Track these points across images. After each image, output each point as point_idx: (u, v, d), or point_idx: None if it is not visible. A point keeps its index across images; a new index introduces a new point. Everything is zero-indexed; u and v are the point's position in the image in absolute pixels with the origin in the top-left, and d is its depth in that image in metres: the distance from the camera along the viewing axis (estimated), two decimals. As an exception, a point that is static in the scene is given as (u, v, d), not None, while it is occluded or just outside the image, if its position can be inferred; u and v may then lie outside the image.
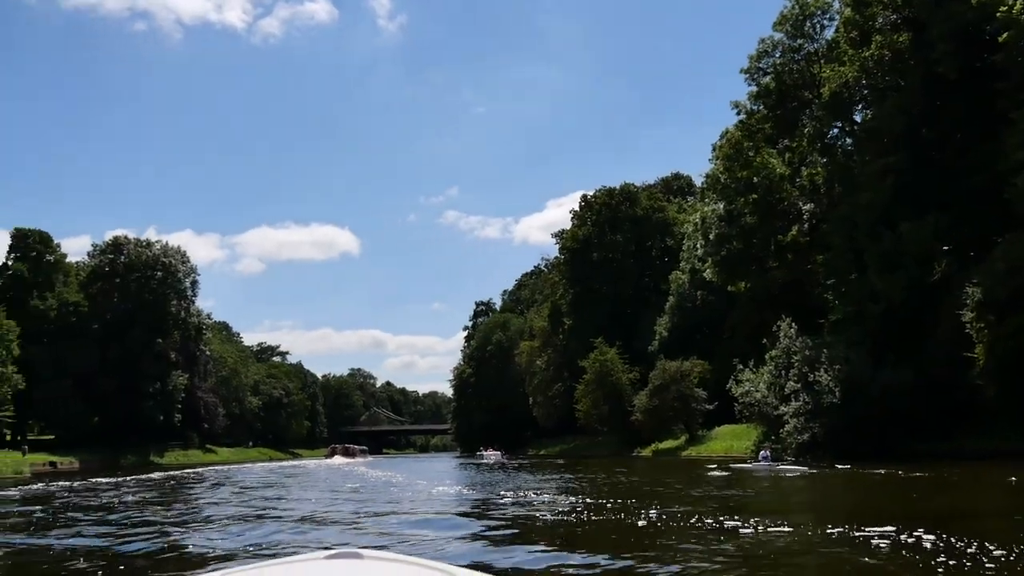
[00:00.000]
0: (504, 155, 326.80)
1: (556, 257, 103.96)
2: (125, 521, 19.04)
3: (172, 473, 54.24)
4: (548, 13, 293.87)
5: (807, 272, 52.16)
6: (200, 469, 65.06)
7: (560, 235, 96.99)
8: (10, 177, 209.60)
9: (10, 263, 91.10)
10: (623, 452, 70.14)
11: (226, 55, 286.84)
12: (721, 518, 15.18)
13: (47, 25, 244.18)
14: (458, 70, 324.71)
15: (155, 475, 49.72)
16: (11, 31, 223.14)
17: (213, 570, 3.31)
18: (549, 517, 17.72)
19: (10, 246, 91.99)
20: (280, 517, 19.61)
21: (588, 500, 20.99)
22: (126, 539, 15.10)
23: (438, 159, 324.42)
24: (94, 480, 42.30)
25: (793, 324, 45.08)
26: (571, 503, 20.51)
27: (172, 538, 15.47)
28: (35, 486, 38.57)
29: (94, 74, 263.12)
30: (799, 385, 42.05)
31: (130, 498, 28.01)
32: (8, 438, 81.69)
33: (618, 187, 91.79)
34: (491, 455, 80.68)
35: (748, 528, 13.75)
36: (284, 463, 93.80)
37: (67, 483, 40.40)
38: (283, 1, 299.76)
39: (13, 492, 34.44)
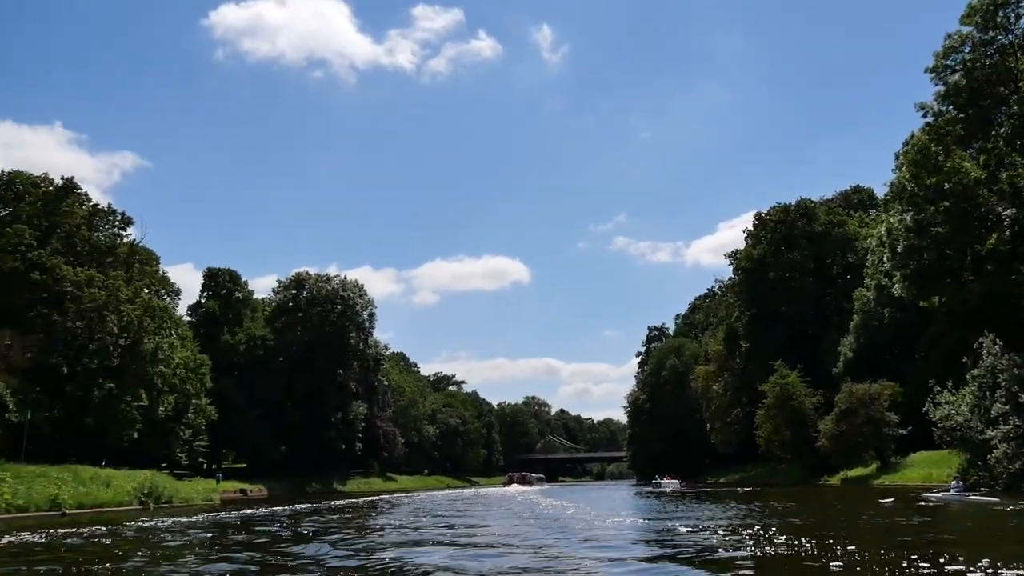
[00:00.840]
0: (673, 178, 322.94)
1: (730, 278, 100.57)
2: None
3: (355, 500, 55.80)
4: (711, 30, 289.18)
5: (1010, 283, 47.57)
6: (384, 496, 66.40)
7: (734, 255, 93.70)
8: (203, 220, 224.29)
9: (203, 301, 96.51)
10: (808, 480, 66.24)
11: (397, 96, 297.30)
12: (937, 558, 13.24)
13: (233, 78, 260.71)
14: (623, 96, 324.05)
15: (339, 502, 50.85)
16: (201, 85, 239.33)
17: None
18: (735, 553, 16.13)
19: (203, 285, 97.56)
20: (459, 544, 19.67)
21: (776, 533, 19.20)
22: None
23: (606, 186, 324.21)
24: (291, 507, 43.21)
25: (997, 340, 41.00)
26: (757, 536, 18.80)
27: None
28: (220, 513, 39.73)
29: (276, 121, 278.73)
30: (1007, 407, 38.04)
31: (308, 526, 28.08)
32: (205, 466, 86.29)
33: (794, 203, 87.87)
34: (668, 483, 78.38)
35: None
36: (463, 491, 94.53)
37: (251, 510, 41.50)
38: (449, 41, 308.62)
39: (198, 518, 35.42)
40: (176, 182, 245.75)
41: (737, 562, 14.76)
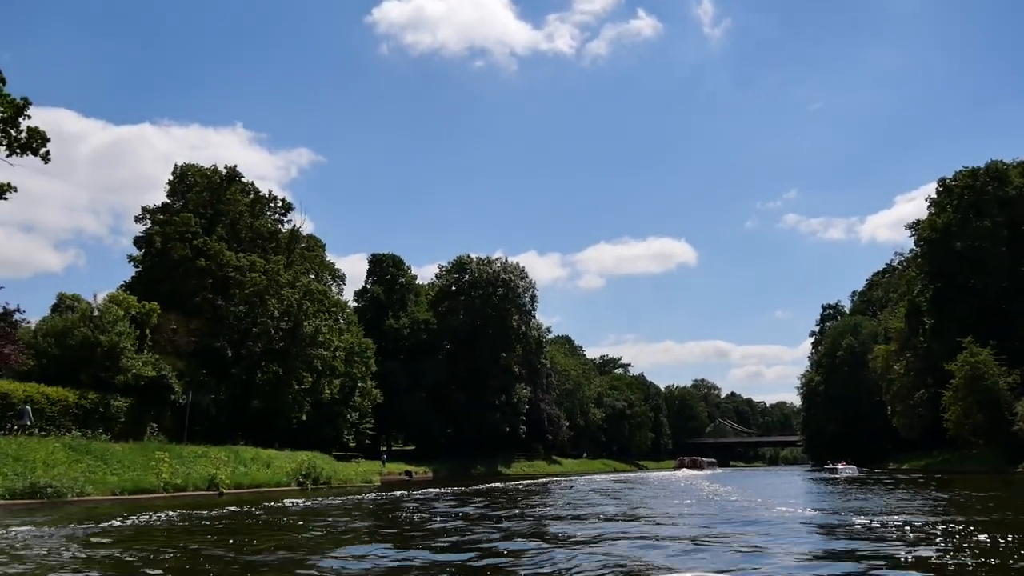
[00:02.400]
0: (846, 151, 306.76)
1: (912, 251, 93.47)
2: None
3: (517, 483, 55.48)
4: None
5: None
6: (546, 479, 65.76)
7: (915, 226, 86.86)
8: (373, 211, 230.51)
9: (368, 287, 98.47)
10: (1005, 469, 60.26)
11: (558, 81, 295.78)
12: None
13: (397, 71, 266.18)
14: (790, 66, 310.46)
15: (497, 484, 50.13)
16: (367, 80, 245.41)
17: None
18: (922, 554, 13.47)
19: (368, 271, 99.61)
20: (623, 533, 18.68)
21: (974, 531, 16.32)
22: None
23: (774, 162, 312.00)
24: (448, 489, 42.83)
25: None
26: (949, 534, 15.99)
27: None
28: (376, 494, 39.61)
29: (440, 112, 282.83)
30: None
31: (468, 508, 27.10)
32: (372, 448, 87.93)
33: (983, 166, 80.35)
34: (843, 469, 73.66)
35: None
36: (628, 475, 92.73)
37: (401, 492, 41.34)
38: (609, 22, 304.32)
39: (342, 499, 35.20)
40: (348, 175, 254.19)
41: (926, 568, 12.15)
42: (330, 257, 79.41)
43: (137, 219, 59.38)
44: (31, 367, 40.33)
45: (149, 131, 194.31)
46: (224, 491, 36.64)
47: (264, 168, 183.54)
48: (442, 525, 20.87)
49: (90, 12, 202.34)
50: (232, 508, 27.40)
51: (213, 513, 24.72)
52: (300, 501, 32.56)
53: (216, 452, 41.36)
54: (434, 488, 46.12)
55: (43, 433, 34.35)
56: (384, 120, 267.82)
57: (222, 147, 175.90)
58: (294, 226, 63.33)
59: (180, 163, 61.87)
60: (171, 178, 61.39)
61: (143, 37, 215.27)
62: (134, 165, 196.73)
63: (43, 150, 32.40)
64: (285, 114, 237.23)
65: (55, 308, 50.14)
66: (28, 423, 36.67)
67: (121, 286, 53.74)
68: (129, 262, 55.98)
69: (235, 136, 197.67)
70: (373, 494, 42.49)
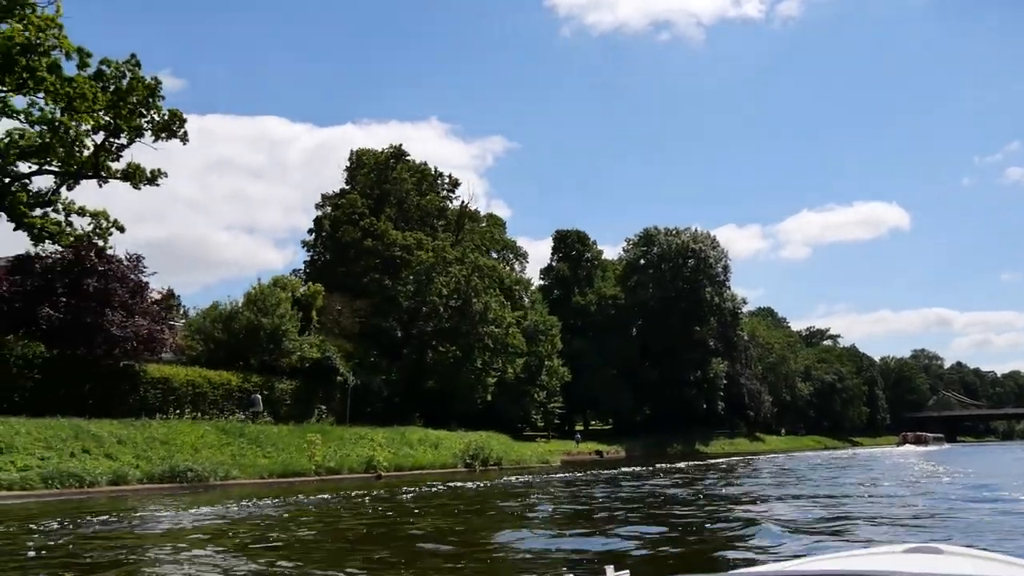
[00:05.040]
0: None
1: None
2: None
3: (714, 461, 53.06)
4: None
5: None
6: (748, 457, 62.78)
7: None
8: (564, 192, 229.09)
9: (554, 264, 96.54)
10: None
11: (747, 47, 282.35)
12: None
13: (580, 52, 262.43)
14: (1006, 9, 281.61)
15: (689, 463, 47.04)
16: (551, 63, 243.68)
17: (794, 559, 3.54)
18: None
19: (552, 248, 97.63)
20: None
21: None
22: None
23: (991, 112, 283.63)
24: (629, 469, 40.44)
25: None
26: None
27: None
28: (539, 475, 37.61)
29: (626, 89, 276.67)
30: None
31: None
32: (564, 428, 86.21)
33: None
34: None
35: None
36: (839, 452, 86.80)
37: (574, 474, 39.37)
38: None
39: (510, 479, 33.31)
40: (540, 159, 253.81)
41: None
42: (525, 240, 78.25)
43: (317, 206, 60.05)
44: (199, 352, 40.81)
45: (351, 131, 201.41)
46: (383, 474, 35.45)
47: (461, 158, 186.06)
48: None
49: (290, 23, 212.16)
50: (360, 491, 25.90)
51: (316, 497, 23.20)
52: (450, 484, 30.78)
53: (378, 434, 40.35)
54: (624, 467, 44.44)
55: (198, 416, 34.22)
56: (572, 101, 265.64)
57: (420, 140, 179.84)
58: (463, 202, 62.11)
59: (355, 149, 62.08)
60: (348, 164, 61.65)
61: (340, 42, 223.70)
62: (340, 164, 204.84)
63: (181, 131, 32.06)
64: (477, 104, 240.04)
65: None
66: (259, 409, 37.29)
67: (294, 271, 54.23)
68: (303, 247, 56.52)
69: (431, 129, 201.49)
70: (546, 475, 40.61)
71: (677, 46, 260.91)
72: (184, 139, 32.19)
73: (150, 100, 30.53)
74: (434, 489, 28.87)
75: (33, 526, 16.06)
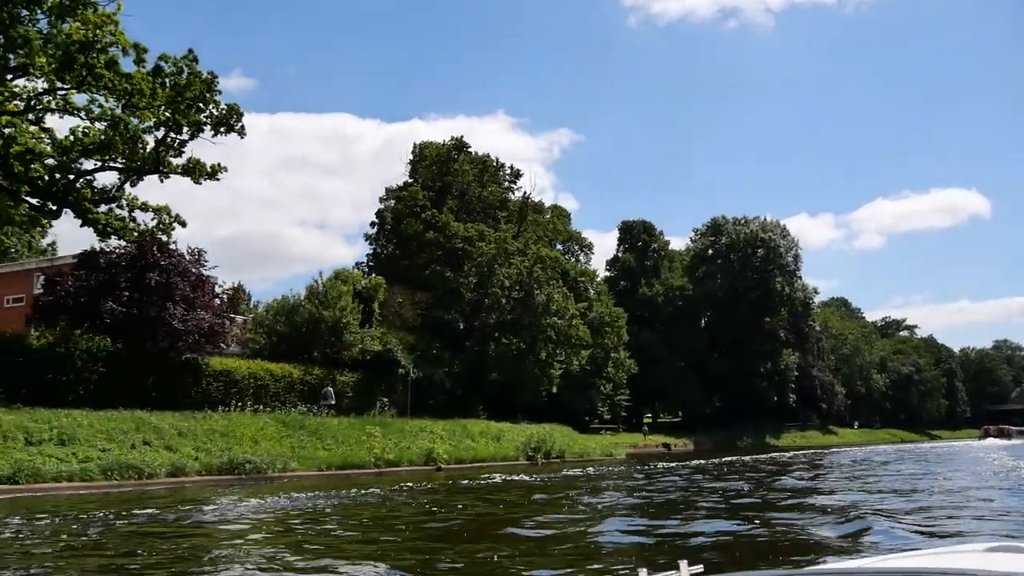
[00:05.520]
0: None
1: None
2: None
3: (786, 454, 52.24)
4: None
5: None
6: (823, 451, 61.51)
7: None
8: (629, 182, 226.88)
9: (619, 255, 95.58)
10: None
11: (819, 33, 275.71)
12: None
13: (647, 41, 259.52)
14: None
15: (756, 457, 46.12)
16: (618, 53, 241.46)
17: (872, 556, 3.35)
18: None
19: (618, 239, 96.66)
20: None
21: None
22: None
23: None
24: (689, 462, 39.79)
25: None
26: None
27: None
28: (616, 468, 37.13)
29: (694, 78, 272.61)
30: None
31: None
32: (632, 420, 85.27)
33: None
34: None
35: None
36: (920, 445, 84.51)
37: (634, 466, 38.86)
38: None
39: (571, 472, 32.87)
40: (607, 151, 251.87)
41: None
42: (593, 233, 77.57)
43: (381, 200, 60.24)
44: (262, 345, 41.17)
45: (418, 126, 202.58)
46: (442, 466, 35.28)
47: (528, 151, 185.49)
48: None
49: (356, 20, 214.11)
50: (421, 483, 25.71)
51: (372, 490, 23.01)
52: (511, 476, 30.47)
53: (438, 426, 40.24)
54: (693, 460, 43.99)
55: (260, 409, 34.43)
56: (639, 92, 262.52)
57: (486, 134, 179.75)
58: (525, 193, 61.67)
59: (418, 142, 62.12)
60: (411, 157, 61.72)
61: (406, 38, 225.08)
62: (406, 159, 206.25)
63: (239, 125, 32.22)
64: (543, 97, 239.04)
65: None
66: (332, 402, 37.71)
67: (357, 264, 54.44)
68: (365, 240, 56.73)
69: (498, 123, 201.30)
70: (609, 467, 40.17)
71: (746, 34, 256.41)
72: (241, 133, 32.33)
73: (207, 94, 30.71)
74: (496, 480, 28.73)
75: (83, 515, 16.15)
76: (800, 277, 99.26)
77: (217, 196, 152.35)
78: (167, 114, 31.17)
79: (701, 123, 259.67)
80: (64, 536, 13.82)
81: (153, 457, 25.29)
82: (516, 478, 30.13)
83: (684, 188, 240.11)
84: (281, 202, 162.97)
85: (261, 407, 34.77)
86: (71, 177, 32.06)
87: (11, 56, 28.62)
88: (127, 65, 29.22)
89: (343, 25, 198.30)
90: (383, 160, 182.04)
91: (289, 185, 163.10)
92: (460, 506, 19.46)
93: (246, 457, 27.21)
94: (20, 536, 13.87)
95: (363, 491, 23.08)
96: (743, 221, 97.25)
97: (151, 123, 32.00)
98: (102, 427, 25.83)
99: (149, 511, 17.12)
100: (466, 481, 27.65)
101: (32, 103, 29.53)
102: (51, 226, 75.47)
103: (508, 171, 61.39)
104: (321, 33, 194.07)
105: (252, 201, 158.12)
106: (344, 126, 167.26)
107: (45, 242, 73.74)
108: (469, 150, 59.41)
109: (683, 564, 2.78)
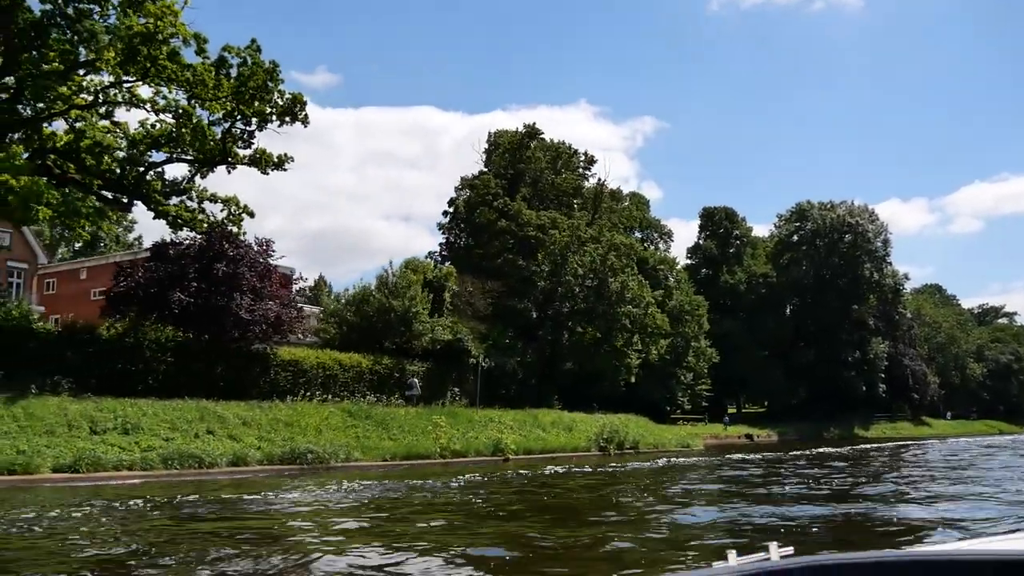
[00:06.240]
0: None
1: None
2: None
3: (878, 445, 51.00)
4: None
5: None
6: (915, 442, 59.78)
7: None
8: (707, 165, 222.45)
9: (700, 242, 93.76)
10: None
11: (907, 10, 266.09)
12: None
13: (730, 26, 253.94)
14: None
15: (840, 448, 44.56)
16: (700, 39, 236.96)
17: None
18: None
19: (700, 226, 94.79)
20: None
21: None
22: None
23: None
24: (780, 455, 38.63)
25: None
26: None
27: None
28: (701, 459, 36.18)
29: (777, 62, 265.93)
30: None
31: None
32: (714, 411, 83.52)
33: None
34: None
35: None
36: (1018, 436, 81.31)
37: (703, 458, 37.86)
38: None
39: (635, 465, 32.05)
40: (692, 138, 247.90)
41: None
42: (678, 221, 76.20)
43: (457, 190, 60.01)
44: (332, 335, 41.25)
45: (500, 117, 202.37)
46: (510, 456, 34.76)
47: (612, 140, 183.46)
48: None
49: (438, 11, 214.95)
50: (491, 473, 25.23)
51: (437, 481, 22.58)
52: (574, 467, 29.82)
53: (508, 416, 39.75)
54: (777, 452, 42.97)
55: (328, 399, 34.40)
56: (723, 77, 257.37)
57: (568, 124, 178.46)
58: (599, 180, 60.62)
59: (493, 131, 61.68)
60: (486, 146, 61.36)
61: (487, 29, 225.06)
62: (480, 149, 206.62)
63: (302, 114, 32.16)
64: (626, 84, 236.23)
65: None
66: (417, 393, 38.10)
67: (429, 253, 54.32)
68: (439, 230, 56.56)
69: (580, 112, 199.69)
70: (684, 459, 39.16)
71: (832, 15, 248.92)
72: (305, 122, 32.24)
73: (269, 83, 30.68)
74: (562, 470, 28.28)
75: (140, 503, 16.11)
76: (890, 263, 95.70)
77: (306, 190, 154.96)
78: (232, 104, 31.28)
79: (786, 107, 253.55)
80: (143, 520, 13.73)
81: (215, 446, 25.38)
82: (583, 469, 29.48)
83: (768, 174, 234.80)
84: (367, 195, 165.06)
85: (330, 397, 34.74)
86: (141, 170, 32.45)
87: (81, 50, 29.06)
88: (189, 56, 29.34)
89: (426, 18, 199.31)
90: (465, 152, 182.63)
91: (375, 178, 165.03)
92: (538, 494, 19.34)
93: (308, 447, 27.12)
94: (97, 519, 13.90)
95: (429, 480, 22.91)
96: (829, 206, 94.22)
97: (219, 115, 32.21)
98: (166, 416, 26.03)
99: (183, 497, 17.02)
100: (522, 471, 27.06)
101: (99, 97, 29.91)
102: (127, 219, 77.87)
103: (582, 158, 60.42)
104: (404, 27, 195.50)
105: (339, 195, 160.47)
106: (428, 119, 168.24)
107: (132, 236, 75.91)
108: (542, 137, 58.61)
109: (773, 546, 2.74)
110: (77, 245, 75.67)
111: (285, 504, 17.22)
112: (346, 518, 14.84)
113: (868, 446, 52.95)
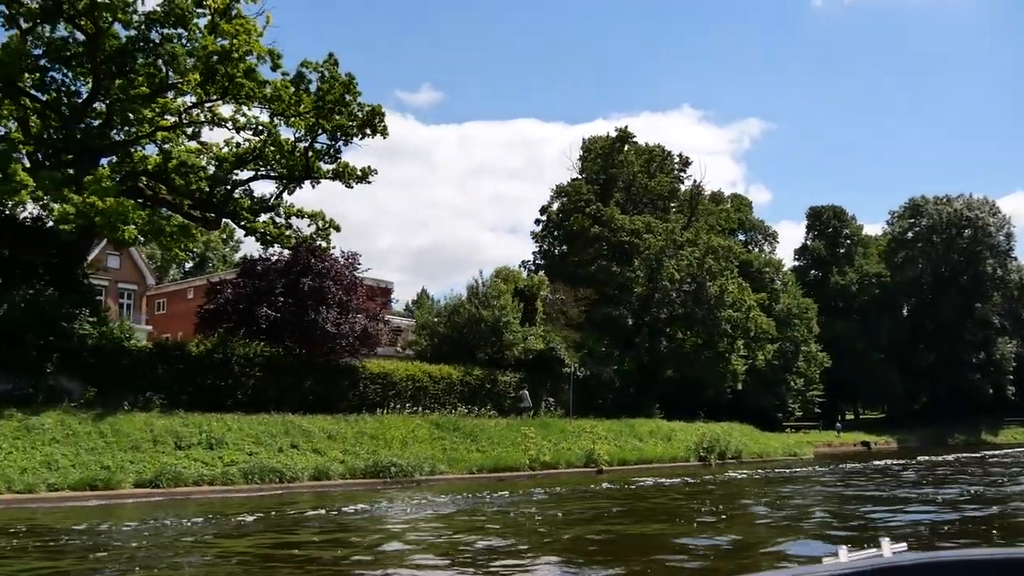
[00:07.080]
0: None
1: None
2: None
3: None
4: None
5: None
6: None
7: None
8: (816, 166, 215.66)
9: (808, 243, 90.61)
10: None
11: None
12: None
13: (835, 20, 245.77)
14: None
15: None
16: (804, 35, 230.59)
17: None
18: None
19: (807, 226, 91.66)
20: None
21: None
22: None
23: None
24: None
25: None
26: None
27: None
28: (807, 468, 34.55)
29: (886, 53, 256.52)
30: None
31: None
32: (828, 417, 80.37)
33: None
34: None
35: None
36: None
37: (807, 468, 36.04)
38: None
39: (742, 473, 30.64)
40: (801, 139, 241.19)
41: None
42: (788, 224, 73.91)
43: (550, 198, 59.44)
44: (423, 347, 41.05)
45: (602, 126, 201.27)
46: (604, 468, 33.75)
47: (717, 143, 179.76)
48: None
49: (536, 23, 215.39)
50: (581, 486, 24.42)
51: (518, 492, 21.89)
52: (670, 479, 28.69)
53: (602, 426, 38.74)
54: (895, 460, 41.05)
55: (418, 411, 34.08)
56: (829, 75, 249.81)
57: (672, 130, 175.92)
58: (695, 182, 59.05)
59: (586, 137, 60.94)
60: (580, 153, 60.61)
61: (587, 38, 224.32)
62: (574, 156, 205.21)
63: (381, 126, 32.07)
64: (729, 87, 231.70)
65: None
66: (528, 405, 38.23)
67: (523, 262, 53.81)
68: (532, 239, 56.00)
69: (683, 117, 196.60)
70: (790, 469, 37.47)
71: (940, 2, 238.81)
72: (384, 133, 32.15)
73: (347, 97, 30.69)
74: (660, 482, 27.36)
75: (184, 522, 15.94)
76: (1015, 258, 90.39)
77: (412, 207, 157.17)
78: (313, 119, 31.43)
79: (895, 101, 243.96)
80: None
81: (298, 460, 25.30)
82: (671, 481, 28.32)
83: (879, 171, 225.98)
84: (472, 209, 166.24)
85: (419, 409, 34.40)
86: (228, 188, 32.92)
87: (169, 72, 29.62)
88: (265, 72, 29.59)
89: (525, 30, 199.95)
90: (567, 162, 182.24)
91: (479, 192, 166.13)
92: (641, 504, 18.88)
93: (392, 460, 26.81)
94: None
95: (519, 492, 22.37)
96: (945, 200, 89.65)
97: (302, 131, 32.44)
98: (251, 431, 26.12)
99: (236, 517, 16.76)
100: (608, 484, 26.11)
101: (182, 117, 30.46)
102: (234, 239, 79.93)
103: (676, 160, 58.96)
104: (504, 40, 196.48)
105: (445, 209, 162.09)
106: (530, 131, 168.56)
107: (239, 256, 77.94)
108: (634, 140, 57.43)
109: (885, 542, 2.75)
110: (188, 266, 78.30)
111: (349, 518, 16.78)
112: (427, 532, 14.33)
113: (1004, 452, 49.85)
